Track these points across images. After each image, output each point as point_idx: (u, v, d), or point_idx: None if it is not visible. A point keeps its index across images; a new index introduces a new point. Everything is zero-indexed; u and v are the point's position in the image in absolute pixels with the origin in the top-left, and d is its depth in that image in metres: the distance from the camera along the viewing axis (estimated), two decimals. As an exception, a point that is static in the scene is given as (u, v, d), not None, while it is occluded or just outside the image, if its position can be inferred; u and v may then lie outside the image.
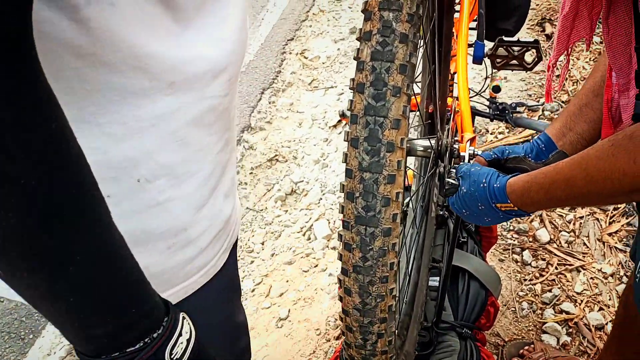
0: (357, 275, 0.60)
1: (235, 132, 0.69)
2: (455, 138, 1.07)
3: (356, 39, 0.60)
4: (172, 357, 0.43)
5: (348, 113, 0.60)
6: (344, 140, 0.59)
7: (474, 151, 0.93)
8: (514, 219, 2.00)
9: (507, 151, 0.93)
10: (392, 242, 0.59)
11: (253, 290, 1.81)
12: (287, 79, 2.84)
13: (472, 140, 0.94)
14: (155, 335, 0.42)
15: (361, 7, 0.60)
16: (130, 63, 0.47)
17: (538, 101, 2.56)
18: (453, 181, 0.84)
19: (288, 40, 3.15)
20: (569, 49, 0.87)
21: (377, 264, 0.59)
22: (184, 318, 0.46)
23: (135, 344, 0.41)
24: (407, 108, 0.58)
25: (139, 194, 0.54)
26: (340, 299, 0.64)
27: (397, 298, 0.65)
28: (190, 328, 0.46)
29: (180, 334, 0.44)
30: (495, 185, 0.78)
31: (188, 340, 0.45)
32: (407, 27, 0.57)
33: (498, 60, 1.19)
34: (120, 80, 0.47)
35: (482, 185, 0.80)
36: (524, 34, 2.74)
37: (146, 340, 0.41)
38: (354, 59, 0.59)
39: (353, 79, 0.59)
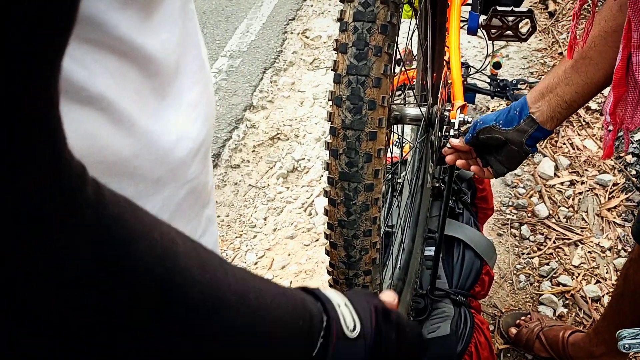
0: (342, 229, 0.63)
1: (213, 205, 0.59)
2: (448, 108, 1.09)
3: (339, 1, 0.62)
4: (350, 330, 0.39)
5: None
6: (328, 100, 0.62)
7: (464, 118, 0.95)
8: (513, 193, 2.01)
9: (479, 123, 0.93)
10: (374, 197, 0.61)
11: (256, 264, 1.84)
12: (288, 59, 2.85)
13: (462, 107, 0.96)
14: (323, 334, 0.38)
15: None
16: (116, 170, 0.39)
17: (539, 78, 2.56)
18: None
19: (289, 20, 3.16)
20: None
21: (360, 218, 0.62)
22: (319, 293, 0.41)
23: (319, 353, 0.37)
24: (388, 67, 0.60)
25: None
26: (327, 252, 0.67)
27: (380, 251, 0.68)
28: (332, 295, 0.41)
29: (336, 307, 0.39)
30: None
31: (345, 304, 0.40)
32: None
33: (492, 30, 1.20)
34: None
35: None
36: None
37: (322, 342, 0.38)
38: (337, 20, 0.61)
39: (337, 40, 0.61)
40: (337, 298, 0.40)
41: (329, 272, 0.68)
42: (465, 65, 2.07)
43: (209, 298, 0.30)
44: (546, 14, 2.96)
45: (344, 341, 0.38)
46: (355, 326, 0.39)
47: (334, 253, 0.65)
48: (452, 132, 0.94)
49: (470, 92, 1.97)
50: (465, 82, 1.97)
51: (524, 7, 1.21)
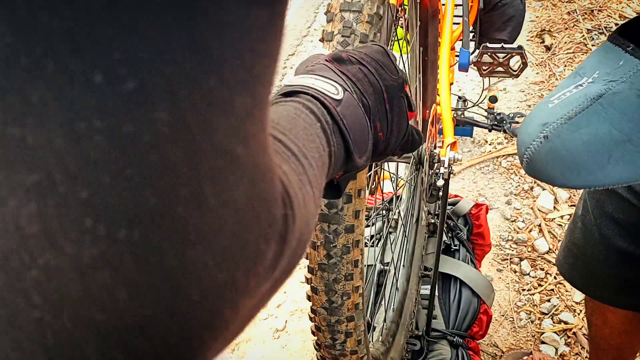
0: (323, 273, 0.61)
1: None
2: (438, 145, 1.07)
3: None
4: (335, 94, 0.40)
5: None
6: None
7: (454, 156, 0.94)
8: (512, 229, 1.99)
9: None
10: (355, 239, 0.59)
11: (250, 302, 1.81)
12: (287, 94, 2.87)
13: (452, 144, 0.95)
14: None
15: None
16: None
17: (537, 111, 2.56)
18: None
19: (289, 55, 3.19)
20: None
21: (341, 262, 0.59)
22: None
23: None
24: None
25: None
26: (308, 297, 0.64)
27: (364, 296, 0.66)
28: (303, 80, 0.42)
29: (313, 87, 0.41)
30: None
31: (316, 79, 0.42)
32: None
33: (484, 67, 1.20)
34: None
35: None
36: (524, 47, 2.75)
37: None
38: (324, 13, 0.60)
39: (323, 30, 0.60)
40: (307, 80, 0.41)
41: (311, 319, 0.66)
42: (462, 99, 2.07)
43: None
44: (543, 47, 2.99)
45: (339, 105, 0.40)
46: (335, 88, 0.41)
47: (315, 298, 0.63)
48: (442, 169, 0.93)
49: (468, 125, 1.97)
50: (462, 116, 1.97)
51: (515, 44, 1.21)
